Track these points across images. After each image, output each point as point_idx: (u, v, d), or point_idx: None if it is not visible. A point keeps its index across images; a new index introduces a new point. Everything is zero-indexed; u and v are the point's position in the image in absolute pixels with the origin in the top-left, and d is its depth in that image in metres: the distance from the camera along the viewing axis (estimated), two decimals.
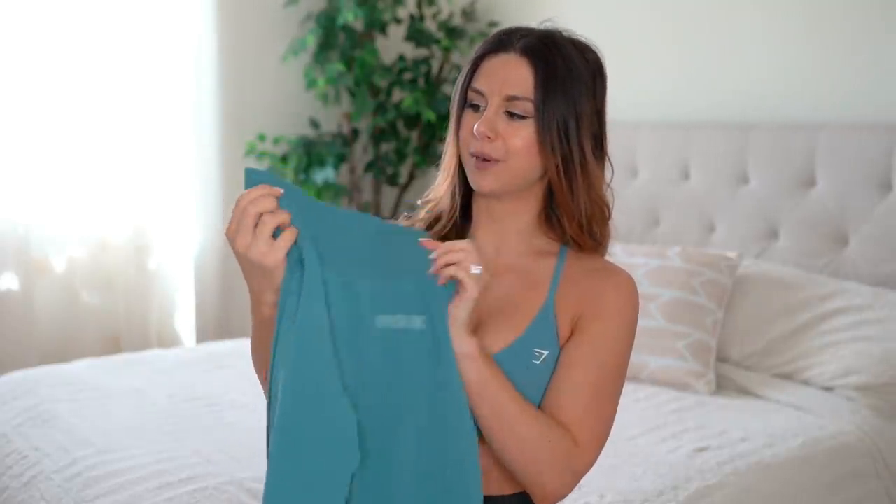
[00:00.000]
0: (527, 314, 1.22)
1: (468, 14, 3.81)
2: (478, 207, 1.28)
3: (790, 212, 2.75)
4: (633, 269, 2.65)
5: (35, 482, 1.98)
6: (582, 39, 1.26)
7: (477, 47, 1.27)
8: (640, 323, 2.56)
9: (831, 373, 2.38)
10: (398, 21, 3.82)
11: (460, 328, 1.11)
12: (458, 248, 1.11)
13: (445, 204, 1.29)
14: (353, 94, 3.77)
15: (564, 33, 1.25)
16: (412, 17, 3.82)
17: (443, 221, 1.29)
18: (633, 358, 2.49)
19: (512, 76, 1.20)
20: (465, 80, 1.24)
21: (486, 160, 1.19)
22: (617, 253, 2.74)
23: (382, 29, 3.76)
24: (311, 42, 3.65)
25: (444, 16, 3.96)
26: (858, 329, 2.41)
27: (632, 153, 3.19)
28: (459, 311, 1.11)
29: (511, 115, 1.20)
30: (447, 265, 1.10)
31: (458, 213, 1.28)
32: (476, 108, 1.22)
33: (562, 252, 1.27)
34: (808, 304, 2.51)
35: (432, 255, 1.11)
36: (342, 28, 3.68)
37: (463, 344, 1.11)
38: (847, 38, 2.71)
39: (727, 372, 2.55)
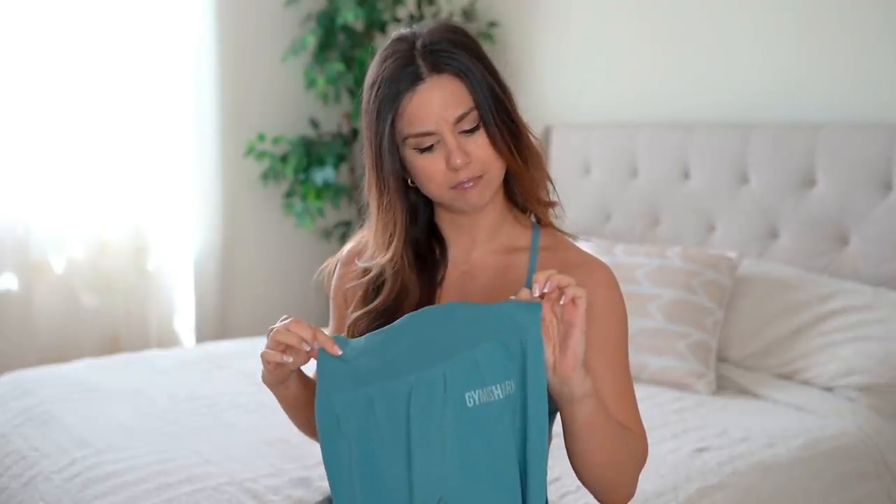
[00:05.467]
0: None
1: (468, 14, 3.81)
2: (444, 226, 1.28)
3: (790, 212, 2.75)
4: (633, 269, 2.65)
5: (34, 482, 1.97)
6: (449, 21, 1.23)
7: (376, 90, 1.18)
8: (641, 323, 2.57)
9: (832, 373, 2.38)
10: (398, 21, 3.82)
11: (581, 368, 1.07)
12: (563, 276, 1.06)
13: (392, 257, 1.24)
14: (353, 94, 3.77)
15: (439, 24, 1.21)
16: (412, 17, 3.82)
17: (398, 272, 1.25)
18: (633, 358, 2.49)
19: (448, 99, 1.16)
20: (389, 131, 1.17)
21: (469, 182, 1.17)
22: (617, 253, 2.74)
23: (382, 29, 3.77)
24: (311, 42, 3.65)
25: (443, 16, 3.95)
26: (859, 329, 2.40)
27: (632, 153, 3.19)
28: (578, 348, 1.06)
29: (464, 132, 1.17)
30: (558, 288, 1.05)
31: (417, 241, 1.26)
32: (428, 149, 1.17)
33: (534, 241, 1.26)
34: (809, 304, 2.51)
35: (535, 289, 1.06)
36: (342, 28, 3.68)
37: (585, 383, 1.08)
38: (847, 39, 2.71)
39: (727, 372, 2.55)
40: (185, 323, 3.75)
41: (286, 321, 1.12)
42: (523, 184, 1.24)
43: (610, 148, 3.27)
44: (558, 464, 1.86)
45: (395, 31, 1.23)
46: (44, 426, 2.22)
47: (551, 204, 1.28)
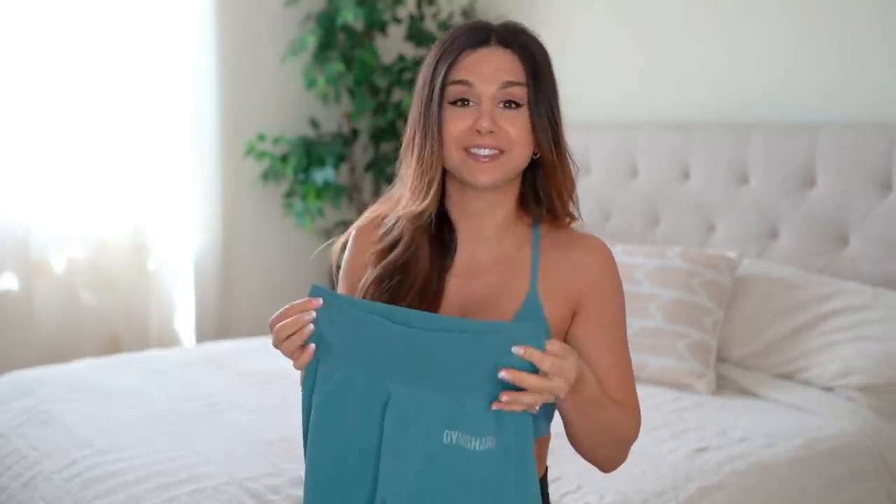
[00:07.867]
0: (511, 305, 1.22)
1: (468, 14, 3.81)
2: (452, 206, 1.28)
3: (790, 212, 2.75)
4: (633, 269, 2.65)
5: (34, 482, 1.97)
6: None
7: (443, 44, 1.23)
8: (641, 323, 2.58)
9: (831, 373, 2.38)
10: (398, 21, 3.82)
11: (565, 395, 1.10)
12: (556, 371, 1.05)
13: (428, 207, 1.25)
14: (353, 94, 3.77)
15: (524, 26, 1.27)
16: (412, 17, 3.82)
17: (408, 233, 1.26)
18: (634, 358, 2.49)
19: (504, 65, 1.21)
20: (443, 77, 1.21)
21: (487, 154, 1.19)
22: (617, 253, 2.74)
23: (382, 29, 3.77)
24: (311, 42, 3.65)
25: (443, 16, 3.96)
26: (858, 329, 2.41)
27: (632, 153, 3.19)
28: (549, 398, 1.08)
29: (506, 105, 1.21)
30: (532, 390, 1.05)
31: (433, 216, 1.26)
32: (463, 104, 1.21)
33: (535, 235, 1.27)
34: (808, 304, 2.51)
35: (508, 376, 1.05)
36: (342, 28, 3.68)
37: (574, 393, 1.12)
38: (847, 38, 2.71)
39: (727, 372, 2.55)
40: (185, 323, 3.75)
41: (280, 312, 1.14)
42: (554, 180, 1.25)
43: (610, 148, 3.27)
44: (558, 464, 1.86)
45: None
46: (44, 426, 2.22)
47: (572, 217, 1.29)
